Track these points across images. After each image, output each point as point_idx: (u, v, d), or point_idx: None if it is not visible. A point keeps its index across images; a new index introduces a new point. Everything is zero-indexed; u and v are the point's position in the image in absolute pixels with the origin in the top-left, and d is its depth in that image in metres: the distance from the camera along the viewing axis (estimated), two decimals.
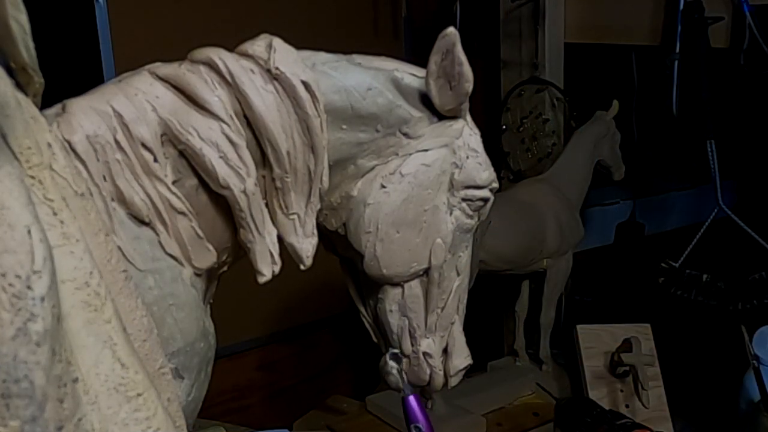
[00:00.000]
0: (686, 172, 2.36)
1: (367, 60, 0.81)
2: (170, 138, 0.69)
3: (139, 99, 0.68)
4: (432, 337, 0.87)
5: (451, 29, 0.77)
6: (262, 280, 0.75)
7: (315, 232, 0.78)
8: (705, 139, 1.63)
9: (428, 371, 0.88)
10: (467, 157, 0.83)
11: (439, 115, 0.82)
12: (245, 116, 0.72)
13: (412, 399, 0.86)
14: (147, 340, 0.51)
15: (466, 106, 0.82)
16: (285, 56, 0.73)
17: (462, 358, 0.89)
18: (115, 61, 1.67)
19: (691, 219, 2.24)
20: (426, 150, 0.81)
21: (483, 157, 0.85)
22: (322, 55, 0.79)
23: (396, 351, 0.88)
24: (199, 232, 0.72)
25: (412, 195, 0.81)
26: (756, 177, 2.32)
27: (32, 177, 0.42)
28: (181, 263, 0.71)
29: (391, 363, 0.88)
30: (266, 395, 2.10)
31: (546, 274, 1.77)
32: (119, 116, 0.67)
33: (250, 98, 0.71)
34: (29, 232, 0.38)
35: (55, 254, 0.40)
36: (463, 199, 0.84)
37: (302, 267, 0.78)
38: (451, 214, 0.84)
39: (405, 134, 0.81)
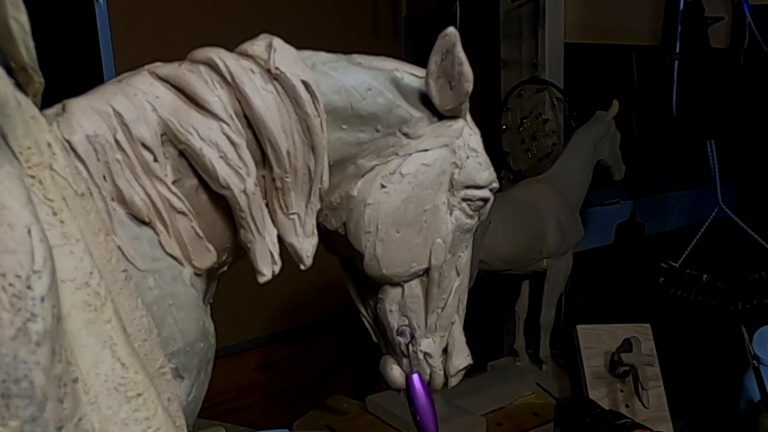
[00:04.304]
0: (686, 172, 2.36)
1: (367, 60, 0.81)
2: (170, 138, 0.69)
3: (139, 99, 0.68)
4: (432, 337, 0.87)
5: (451, 29, 0.77)
6: (262, 280, 0.75)
7: (315, 231, 0.78)
8: (705, 139, 1.64)
9: (428, 371, 0.88)
10: (467, 157, 0.83)
11: (439, 115, 0.82)
12: (245, 116, 0.72)
13: (415, 378, 0.86)
14: (147, 340, 0.51)
15: (466, 106, 0.82)
16: (285, 56, 0.73)
17: (462, 358, 0.89)
18: (115, 61, 1.67)
19: (691, 219, 2.24)
20: (426, 150, 0.81)
21: (483, 157, 0.85)
22: (322, 55, 0.79)
23: (405, 326, 0.87)
24: (199, 232, 0.72)
25: (412, 195, 0.81)
26: (756, 177, 2.32)
27: (32, 177, 0.42)
28: (181, 263, 0.71)
29: (398, 339, 0.88)
30: (266, 395, 2.10)
31: (546, 274, 1.77)
32: (119, 116, 0.67)
33: (250, 98, 0.70)
34: (29, 232, 0.38)
35: (55, 254, 0.40)
36: (463, 199, 0.84)
37: (302, 267, 0.78)
38: (451, 214, 0.84)
39: (405, 134, 0.81)
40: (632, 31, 1.81)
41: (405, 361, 0.89)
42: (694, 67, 1.64)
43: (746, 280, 1.61)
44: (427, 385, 0.90)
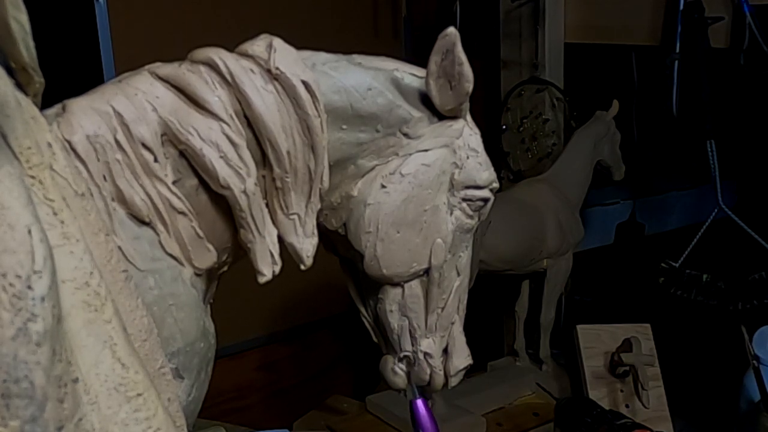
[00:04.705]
0: (686, 172, 2.36)
1: (367, 60, 0.81)
2: (170, 138, 0.69)
3: (139, 99, 0.68)
4: (432, 337, 0.87)
5: (451, 29, 0.77)
6: (262, 280, 0.75)
7: (315, 232, 0.78)
8: (705, 139, 1.64)
9: (428, 371, 0.88)
10: (467, 157, 0.83)
11: (440, 115, 0.82)
12: (245, 116, 0.72)
13: (419, 403, 0.86)
14: (147, 340, 0.52)
15: (467, 106, 0.82)
16: (285, 56, 0.73)
17: (462, 358, 0.89)
18: (115, 61, 1.67)
19: (691, 219, 2.24)
20: (426, 150, 0.81)
21: (483, 157, 0.85)
22: (322, 55, 0.79)
23: (408, 354, 0.87)
24: (200, 232, 0.72)
25: (412, 195, 0.81)
26: (756, 177, 2.32)
27: (32, 177, 0.42)
28: (181, 263, 0.71)
29: (400, 365, 0.88)
30: (266, 395, 2.10)
31: (546, 274, 1.77)
32: (119, 116, 0.67)
33: (250, 98, 0.70)
34: (29, 232, 0.38)
35: (55, 254, 0.40)
36: (464, 199, 0.84)
37: (302, 267, 0.78)
38: (451, 214, 0.84)
39: (405, 134, 0.81)
40: (632, 31, 1.81)
41: (405, 361, 0.89)
42: (694, 67, 1.64)
43: (746, 280, 1.61)
44: (427, 385, 0.90)
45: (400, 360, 0.88)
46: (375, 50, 0.83)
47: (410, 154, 0.81)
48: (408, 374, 0.89)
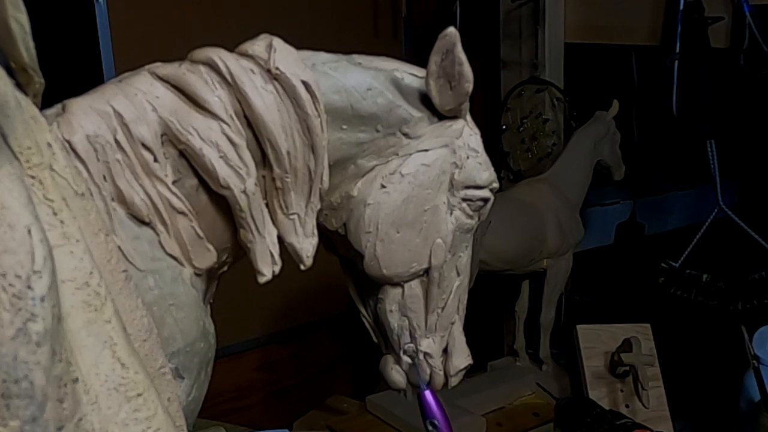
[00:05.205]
0: (686, 172, 2.36)
1: (367, 60, 0.81)
2: (170, 138, 0.69)
3: (139, 99, 0.68)
4: (432, 337, 0.87)
5: (451, 29, 0.77)
6: (262, 280, 0.75)
7: (315, 232, 0.78)
8: (705, 139, 1.64)
9: (428, 371, 0.88)
10: (467, 157, 0.83)
11: (440, 115, 0.82)
12: (245, 116, 0.72)
13: (428, 394, 0.86)
14: (147, 340, 0.52)
15: (466, 106, 0.82)
16: (285, 56, 0.73)
17: (462, 358, 0.89)
18: (115, 61, 1.67)
19: (691, 219, 2.24)
20: (426, 150, 0.81)
21: (483, 157, 0.85)
22: (322, 55, 0.79)
23: (410, 344, 0.87)
24: (199, 232, 0.72)
25: (412, 195, 0.81)
26: (756, 177, 2.32)
27: (32, 177, 0.42)
28: (181, 263, 0.71)
29: (405, 358, 0.88)
30: (266, 395, 2.10)
31: (546, 274, 1.77)
32: (119, 116, 0.67)
33: (250, 98, 0.71)
34: (29, 232, 0.38)
35: (55, 254, 0.40)
36: (464, 199, 0.84)
37: (302, 267, 0.78)
38: (451, 214, 0.84)
39: (405, 134, 0.81)
40: (632, 31, 1.81)
41: (405, 360, 0.89)
42: (694, 67, 1.64)
43: (746, 280, 1.61)
44: (427, 385, 0.89)
45: (406, 352, 0.88)
46: (375, 50, 0.83)
47: (410, 154, 0.81)
48: (411, 365, 0.88)
